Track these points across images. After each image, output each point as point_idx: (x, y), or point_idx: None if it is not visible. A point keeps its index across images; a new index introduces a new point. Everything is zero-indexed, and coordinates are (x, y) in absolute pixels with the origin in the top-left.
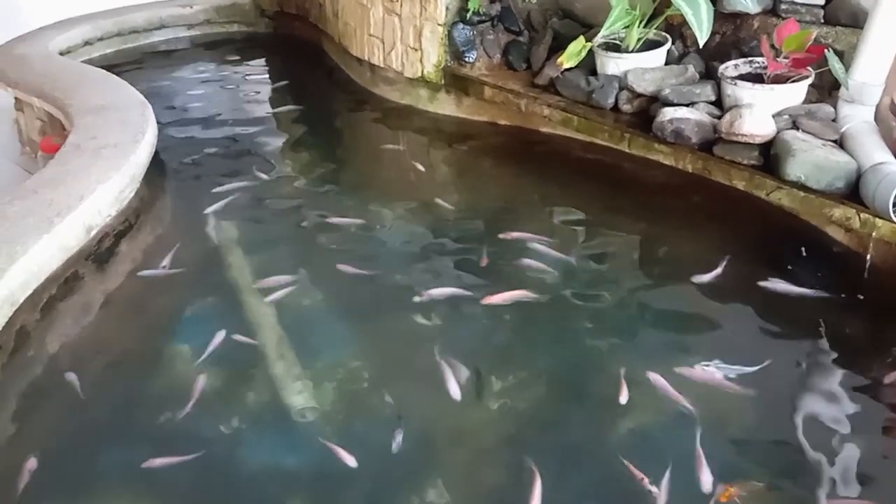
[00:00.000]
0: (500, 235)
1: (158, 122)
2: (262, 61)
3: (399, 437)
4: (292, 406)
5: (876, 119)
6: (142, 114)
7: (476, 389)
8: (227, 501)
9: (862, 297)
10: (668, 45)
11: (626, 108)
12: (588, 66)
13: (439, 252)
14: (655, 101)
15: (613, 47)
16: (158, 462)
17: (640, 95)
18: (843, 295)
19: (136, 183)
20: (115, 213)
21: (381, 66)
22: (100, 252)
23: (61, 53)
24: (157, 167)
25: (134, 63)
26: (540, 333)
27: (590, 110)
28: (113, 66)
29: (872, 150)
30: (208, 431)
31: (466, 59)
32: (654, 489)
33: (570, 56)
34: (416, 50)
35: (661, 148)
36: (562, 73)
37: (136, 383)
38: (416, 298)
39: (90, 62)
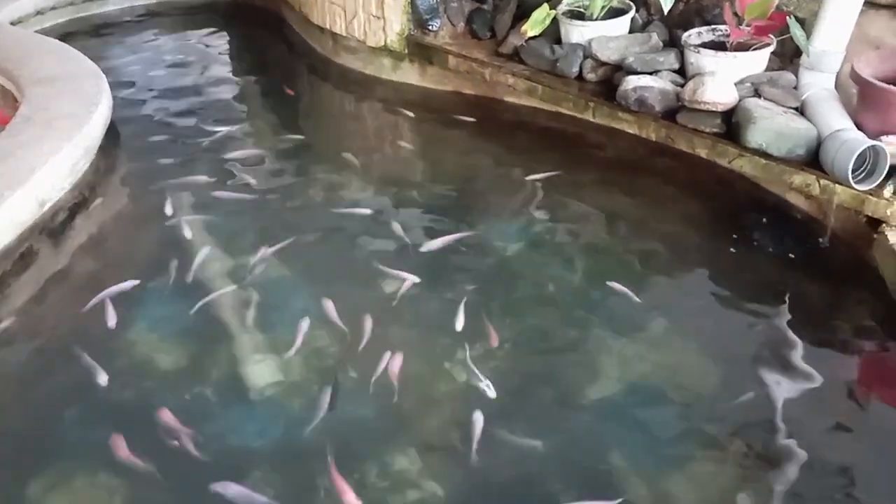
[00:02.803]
0: (465, 206)
1: (114, 93)
2: (220, 30)
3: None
4: (256, 378)
5: (836, 86)
6: (95, 84)
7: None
8: (193, 475)
9: (820, 262)
10: (631, 13)
11: (590, 76)
12: (552, 34)
13: (403, 224)
14: (619, 69)
15: (577, 15)
16: (121, 440)
17: (604, 64)
18: (802, 260)
19: (91, 155)
20: (69, 187)
21: (343, 34)
22: (53, 226)
23: (12, 23)
24: (112, 139)
25: (88, 33)
26: (507, 305)
27: (554, 79)
28: (66, 35)
29: (832, 118)
30: (170, 405)
31: (430, 28)
32: None
33: (534, 24)
34: (378, 18)
35: (626, 116)
36: (526, 41)
37: (95, 359)
38: (382, 269)
39: (42, 32)
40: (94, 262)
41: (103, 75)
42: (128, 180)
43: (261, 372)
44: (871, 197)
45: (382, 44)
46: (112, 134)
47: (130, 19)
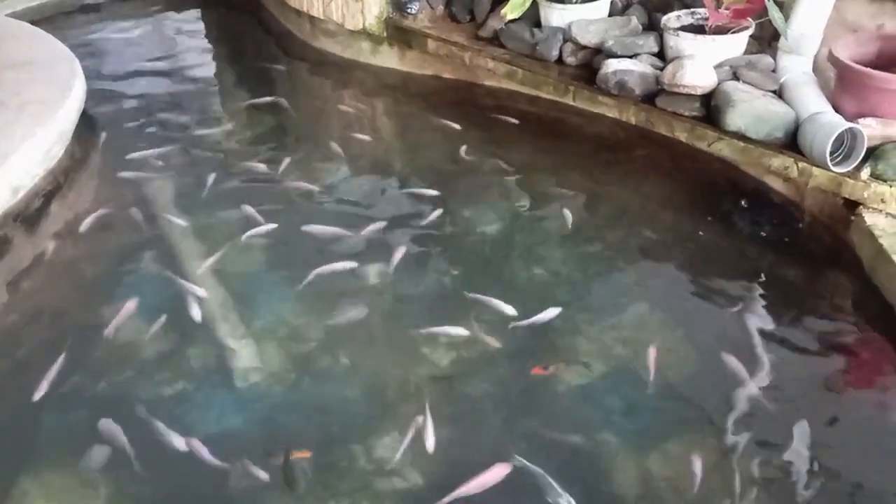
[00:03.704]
0: (445, 193)
1: (88, 78)
2: (196, 14)
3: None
4: (236, 367)
5: (814, 69)
6: (69, 68)
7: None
8: (174, 464)
9: (799, 244)
10: None
11: (570, 60)
12: (532, 17)
13: (382, 208)
14: (599, 53)
15: None
16: (103, 427)
17: (584, 47)
18: (781, 242)
19: (65, 140)
20: (43, 173)
21: (321, 17)
22: (28, 213)
23: None
24: (87, 124)
25: (61, 16)
26: (486, 288)
27: (534, 63)
28: (38, 19)
29: (811, 101)
30: (150, 394)
31: (409, 11)
32: None
33: (514, 7)
34: (356, 1)
35: (606, 100)
36: (506, 24)
37: (73, 348)
38: (357, 256)
39: (14, 16)
40: (70, 249)
41: (77, 59)
42: (103, 166)
43: (241, 357)
44: (848, 179)
45: (361, 27)
46: (86, 119)
47: (104, 3)
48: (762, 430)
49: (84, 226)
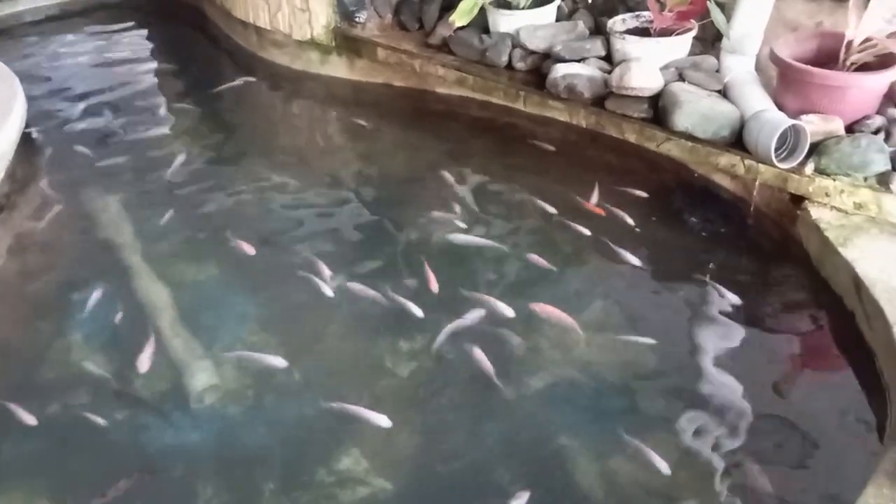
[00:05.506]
0: (397, 198)
1: (28, 97)
2: (139, 28)
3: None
4: (192, 387)
5: (757, 68)
6: (9, 88)
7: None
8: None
9: (748, 239)
10: (557, 2)
11: (519, 65)
12: (480, 24)
13: (337, 222)
14: (548, 57)
15: (505, 4)
16: (57, 449)
17: (532, 53)
18: (730, 238)
19: (6, 162)
20: None
21: (268, 28)
22: None
23: None
24: (28, 145)
25: None
26: (441, 298)
27: (484, 69)
28: None
29: (754, 99)
30: (104, 417)
31: (357, 20)
32: None
33: (462, 14)
34: (303, 11)
35: (556, 104)
36: (454, 31)
37: (21, 374)
38: (314, 273)
39: None
40: (15, 274)
41: (16, 78)
42: (46, 188)
43: (194, 379)
44: (793, 175)
45: (309, 37)
46: (27, 140)
47: (43, 19)
48: (716, 423)
49: (27, 250)
